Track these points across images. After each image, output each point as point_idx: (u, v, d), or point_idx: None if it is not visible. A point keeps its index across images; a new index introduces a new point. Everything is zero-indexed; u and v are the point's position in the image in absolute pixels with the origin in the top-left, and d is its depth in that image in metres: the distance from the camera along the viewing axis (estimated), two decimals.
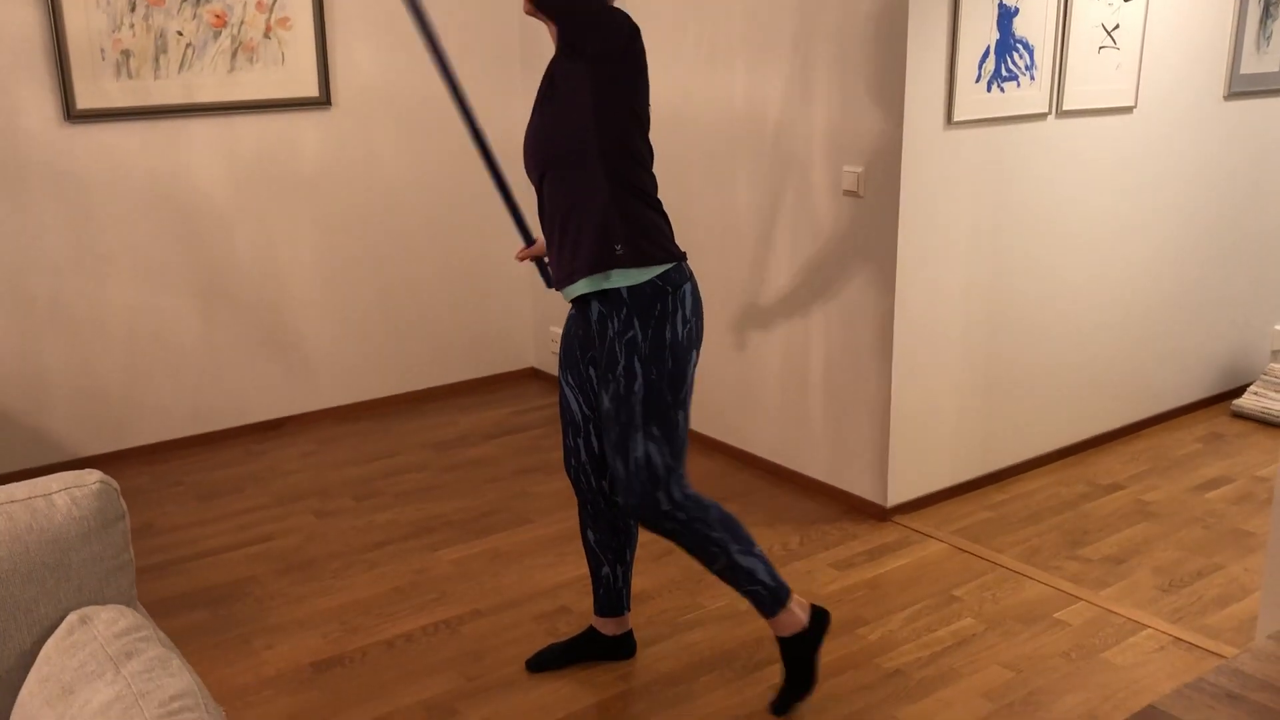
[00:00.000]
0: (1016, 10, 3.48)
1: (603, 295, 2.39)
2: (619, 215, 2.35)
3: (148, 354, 4.20)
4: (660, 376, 2.38)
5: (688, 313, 2.40)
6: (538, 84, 2.50)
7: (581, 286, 2.41)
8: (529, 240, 2.76)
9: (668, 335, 2.37)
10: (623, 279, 2.36)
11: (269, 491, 3.93)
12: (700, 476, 4.00)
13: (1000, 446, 3.90)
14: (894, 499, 3.63)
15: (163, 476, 4.08)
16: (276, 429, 4.52)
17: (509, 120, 4.67)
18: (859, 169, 3.47)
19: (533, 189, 2.50)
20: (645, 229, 2.37)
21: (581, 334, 2.53)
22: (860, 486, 3.69)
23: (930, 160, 3.40)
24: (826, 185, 3.59)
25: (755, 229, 3.88)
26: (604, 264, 2.35)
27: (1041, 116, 3.67)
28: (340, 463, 4.18)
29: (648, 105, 2.40)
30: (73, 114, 3.86)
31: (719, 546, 2.48)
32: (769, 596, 2.54)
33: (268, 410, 4.50)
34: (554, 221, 2.43)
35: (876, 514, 3.64)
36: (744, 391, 4.07)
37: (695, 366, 2.44)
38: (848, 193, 3.52)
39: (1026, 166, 3.68)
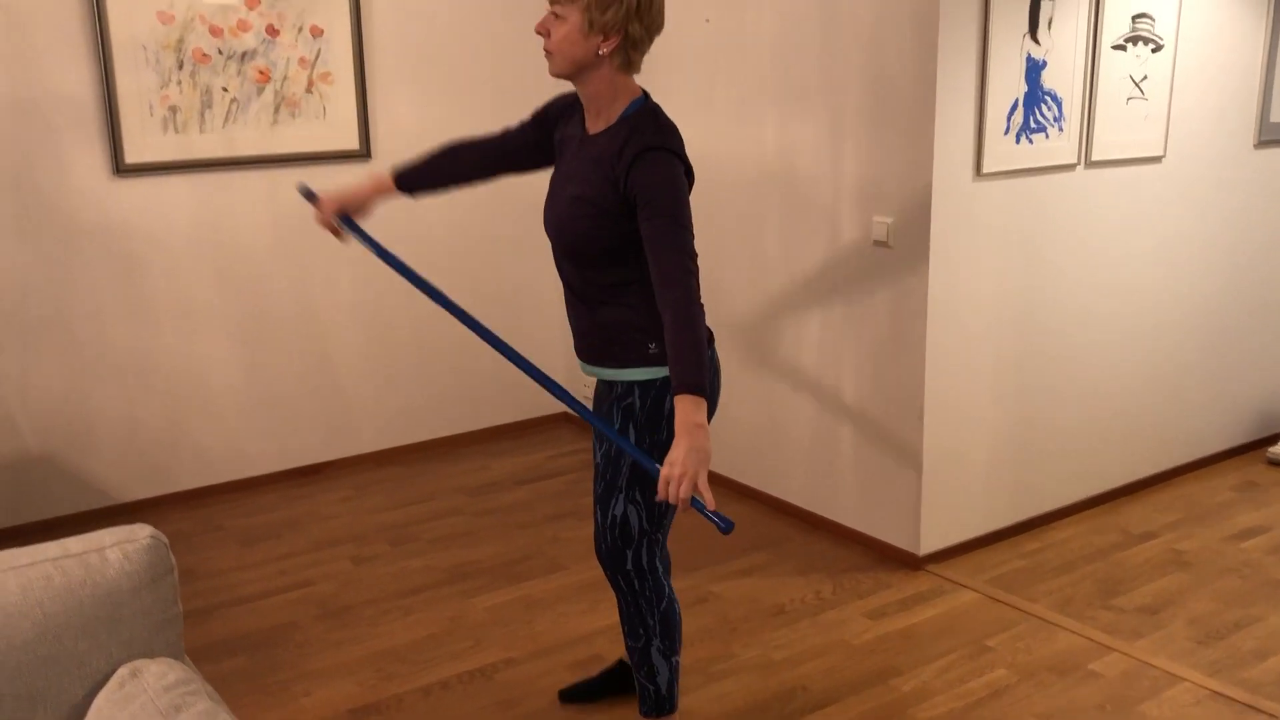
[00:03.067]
0: (1044, 63, 3.53)
1: None
2: (651, 313, 2.29)
3: (190, 399, 4.29)
4: (652, 446, 2.35)
5: None
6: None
7: (608, 374, 2.40)
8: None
9: (666, 406, 2.34)
10: (649, 374, 2.35)
11: (307, 536, 3.99)
12: (736, 523, 4.01)
13: (1032, 494, 3.90)
14: (927, 547, 3.64)
15: (204, 521, 4.15)
16: (315, 474, 4.59)
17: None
18: (889, 220, 3.51)
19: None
20: None
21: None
22: (893, 534, 3.70)
23: (960, 211, 3.44)
24: (857, 236, 3.63)
25: (785, 278, 3.92)
26: (636, 361, 2.34)
27: (1070, 167, 3.70)
28: (377, 508, 4.24)
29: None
30: (121, 168, 3.98)
31: (646, 630, 2.52)
32: (655, 702, 2.58)
33: (307, 455, 4.57)
34: (581, 298, 2.39)
35: (909, 562, 3.65)
36: (777, 438, 4.09)
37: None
38: (878, 243, 3.56)
39: (1056, 217, 3.71)
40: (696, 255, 2.21)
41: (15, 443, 3.98)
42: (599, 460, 2.45)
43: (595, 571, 3.62)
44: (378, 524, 4.09)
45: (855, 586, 3.53)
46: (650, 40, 2.29)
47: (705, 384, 2.10)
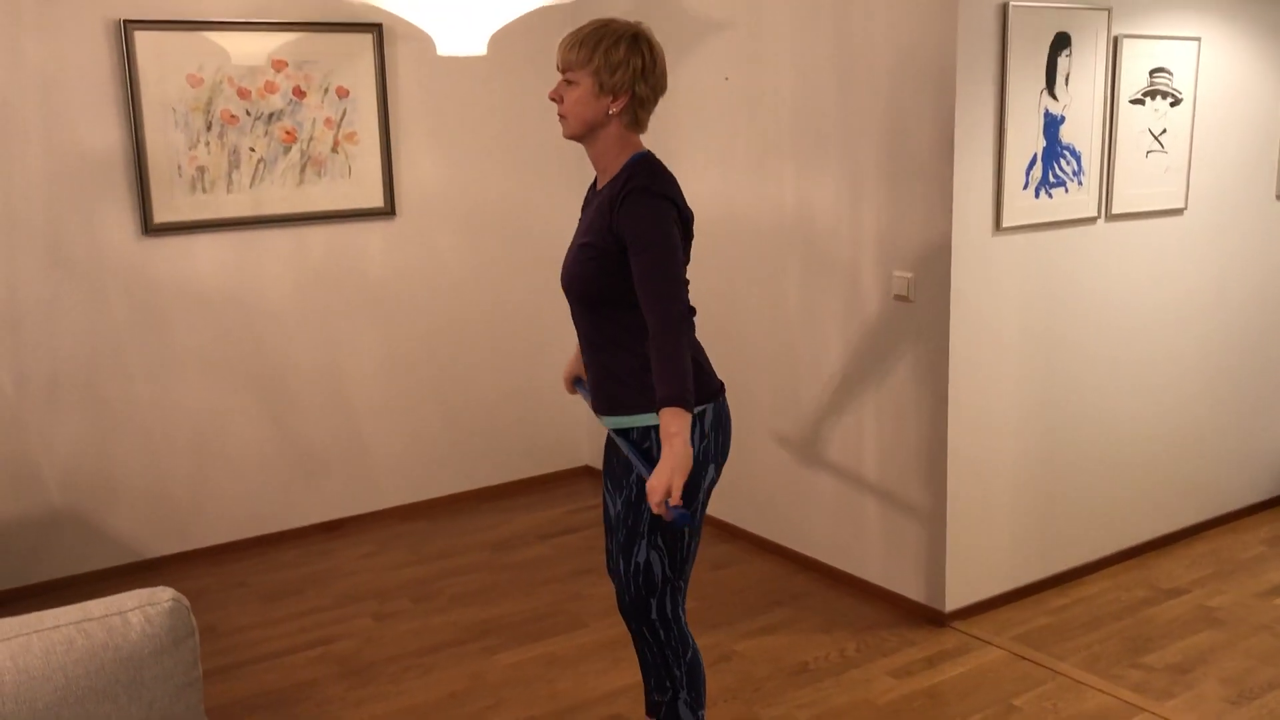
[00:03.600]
0: (1063, 118, 3.55)
1: None
2: None
3: (214, 456, 4.32)
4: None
5: (706, 428, 2.40)
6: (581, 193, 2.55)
7: (624, 423, 2.43)
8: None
9: None
10: (656, 420, 2.36)
11: (330, 593, 3.99)
12: (758, 579, 4.00)
13: (1059, 549, 3.86)
14: (952, 603, 3.60)
15: (227, 577, 4.16)
16: (338, 529, 4.60)
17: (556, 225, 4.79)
18: (909, 274, 3.52)
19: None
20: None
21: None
22: (917, 590, 3.67)
23: (980, 265, 3.44)
24: (877, 289, 3.64)
25: (807, 331, 3.93)
26: (642, 408, 2.37)
27: (1091, 220, 3.70)
28: (399, 564, 4.24)
29: (689, 247, 2.44)
30: (150, 228, 4.05)
31: (673, 683, 2.52)
32: None
33: (330, 511, 4.59)
34: (592, 347, 2.45)
35: (934, 619, 3.61)
36: (799, 492, 4.08)
37: (712, 484, 2.45)
38: (898, 297, 3.57)
39: (1078, 269, 3.70)
40: (685, 282, 2.31)
41: (41, 498, 4.02)
42: (619, 508, 2.45)
43: (617, 629, 3.60)
44: (400, 580, 4.09)
45: (879, 644, 3.49)
46: (655, 99, 2.43)
47: (683, 396, 2.19)
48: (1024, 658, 3.37)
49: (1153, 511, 4.14)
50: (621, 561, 2.46)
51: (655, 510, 2.18)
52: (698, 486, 2.41)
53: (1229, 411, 4.32)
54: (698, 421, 2.39)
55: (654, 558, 2.42)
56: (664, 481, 2.15)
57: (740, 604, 3.80)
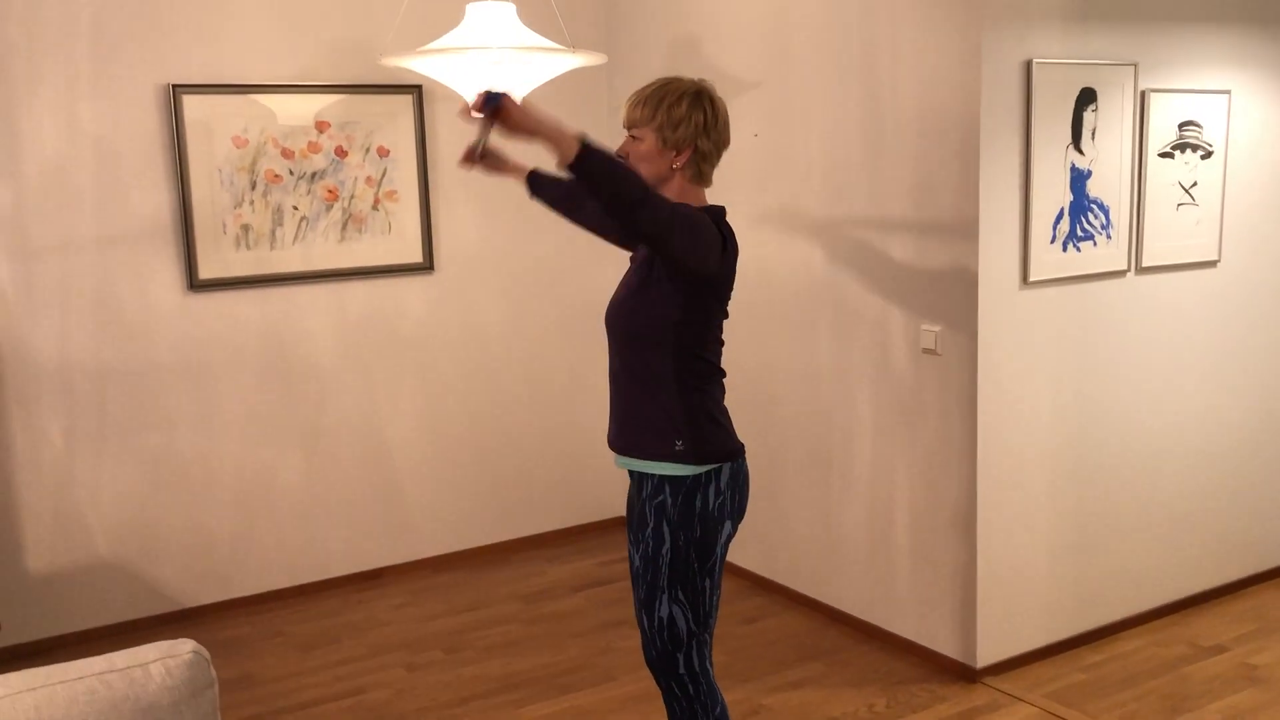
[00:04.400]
0: (1089, 172, 3.56)
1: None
2: (684, 411, 2.41)
3: (255, 506, 4.40)
4: (688, 543, 2.41)
5: (722, 485, 2.43)
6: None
7: (637, 465, 2.48)
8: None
9: (698, 504, 2.41)
10: (674, 470, 2.42)
11: (364, 643, 4.04)
12: (789, 633, 3.99)
13: (1094, 605, 3.81)
14: (983, 659, 3.57)
15: (264, 626, 4.22)
16: (375, 579, 4.66)
17: (591, 278, 4.86)
18: (937, 328, 3.53)
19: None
20: (708, 429, 2.43)
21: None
22: (948, 645, 3.64)
23: (1007, 319, 3.45)
24: (905, 343, 3.66)
25: (837, 384, 3.95)
26: (662, 456, 2.42)
27: (1121, 274, 3.70)
28: (432, 614, 4.28)
29: (729, 296, 2.50)
30: (195, 284, 4.17)
31: None
32: None
33: (366, 561, 4.65)
34: (621, 387, 2.52)
35: (965, 675, 3.58)
36: (830, 546, 4.07)
37: (729, 539, 2.47)
38: (926, 351, 3.58)
39: (1108, 323, 3.69)
40: (669, 223, 2.26)
41: (88, 548, 4.12)
42: (637, 563, 2.48)
43: (645, 683, 3.60)
44: (433, 631, 4.13)
45: (909, 699, 3.47)
46: (719, 154, 2.53)
47: (586, 153, 2.18)
48: (1057, 715, 3.33)
49: (1191, 567, 4.07)
50: (644, 616, 2.48)
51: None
52: (715, 542, 2.43)
53: (1269, 465, 4.26)
54: (713, 478, 2.42)
55: (676, 612, 2.44)
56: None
57: (770, 658, 3.80)
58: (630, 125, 2.47)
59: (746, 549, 4.48)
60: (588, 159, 2.18)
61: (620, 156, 2.47)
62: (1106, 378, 3.73)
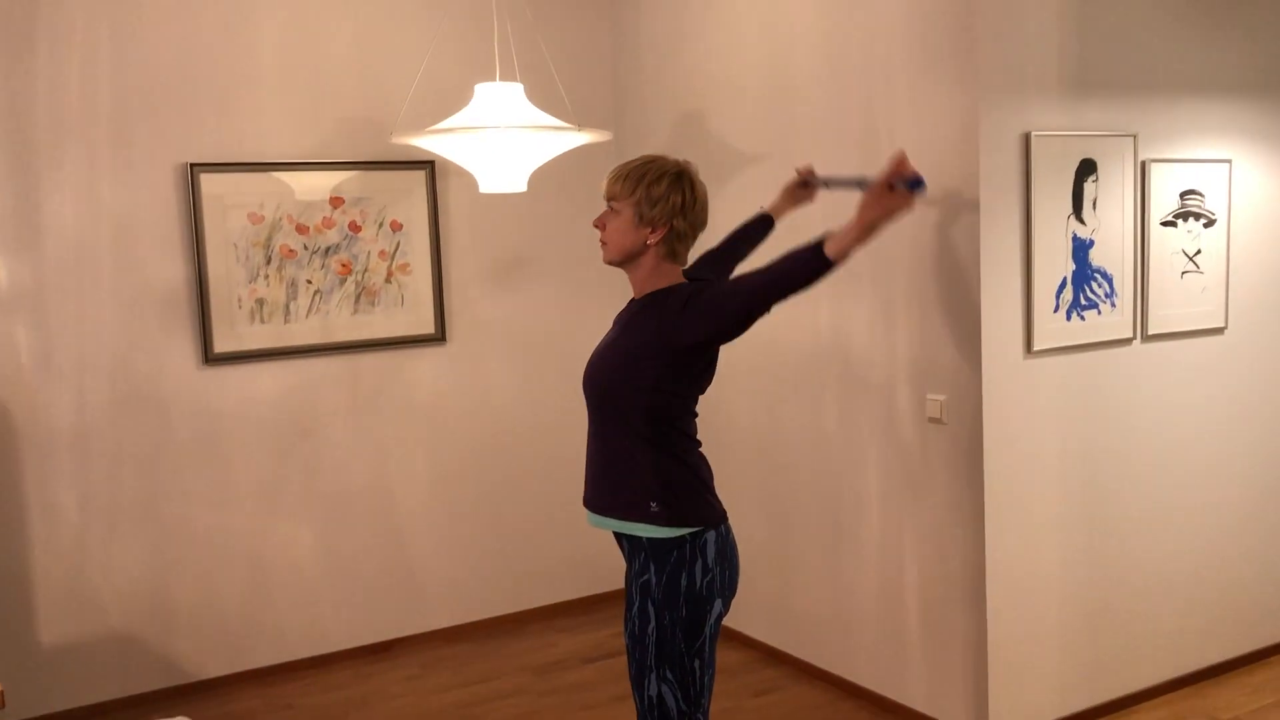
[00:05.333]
0: (1091, 242, 3.58)
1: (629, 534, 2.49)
2: (659, 473, 2.44)
3: (268, 578, 4.42)
4: (674, 623, 2.40)
5: (709, 561, 2.42)
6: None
7: (611, 525, 2.50)
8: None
9: (683, 582, 2.40)
10: (649, 531, 2.43)
11: (374, 716, 4.02)
12: (802, 706, 3.95)
13: (1109, 676, 3.76)
14: None
15: (275, 699, 4.21)
16: (386, 650, 4.65)
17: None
18: (942, 397, 3.55)
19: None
20: (683, 491, 2.44)
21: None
22: (962, 717, 3.59)
23: (1012, 388, 3.46)
24: (911, 412, 3.66)
25: (844, 454, 3.95)
26: (637, 517, 2.44)
27: (1127, 341, 3.70)
28: (443, 687, 4.26)
29: (705, 370, 2.52)
30: (210, 357, 4.23)
31: None
32: None
33: (377, 633, 4.64)
34: (598, 449, 2.54)
35: None
36: (840, 616, 4.04)
37: (720, 617, 2.46)
38: (932, 420, 3.59)
39: (1114, 391, 3.69)
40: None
41: (100, 620, 4.14)
42: (626, 640, 2.48)
43: None
44: (443, 704, 4.11)
45: None
46: (694, 235, 2.56)
47: (818, 245, 2.29)
48: None
49: (1209, 636, 4.02)
50: (636, 694, 2.47)
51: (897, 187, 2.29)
52: (703, 622, 2.43)
53: None
54: (698, 555, 2.42)
55: (666, 691, 2.43)
56: (889, 208, 2.30)
57: None
58: (610, 198, 2.53)
59: (756, 620, 4.45)
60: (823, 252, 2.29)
61: (596, 226, 2.56)
62: (1115, 446, 3.72)
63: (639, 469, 2.44)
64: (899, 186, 2.27)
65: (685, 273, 2.59)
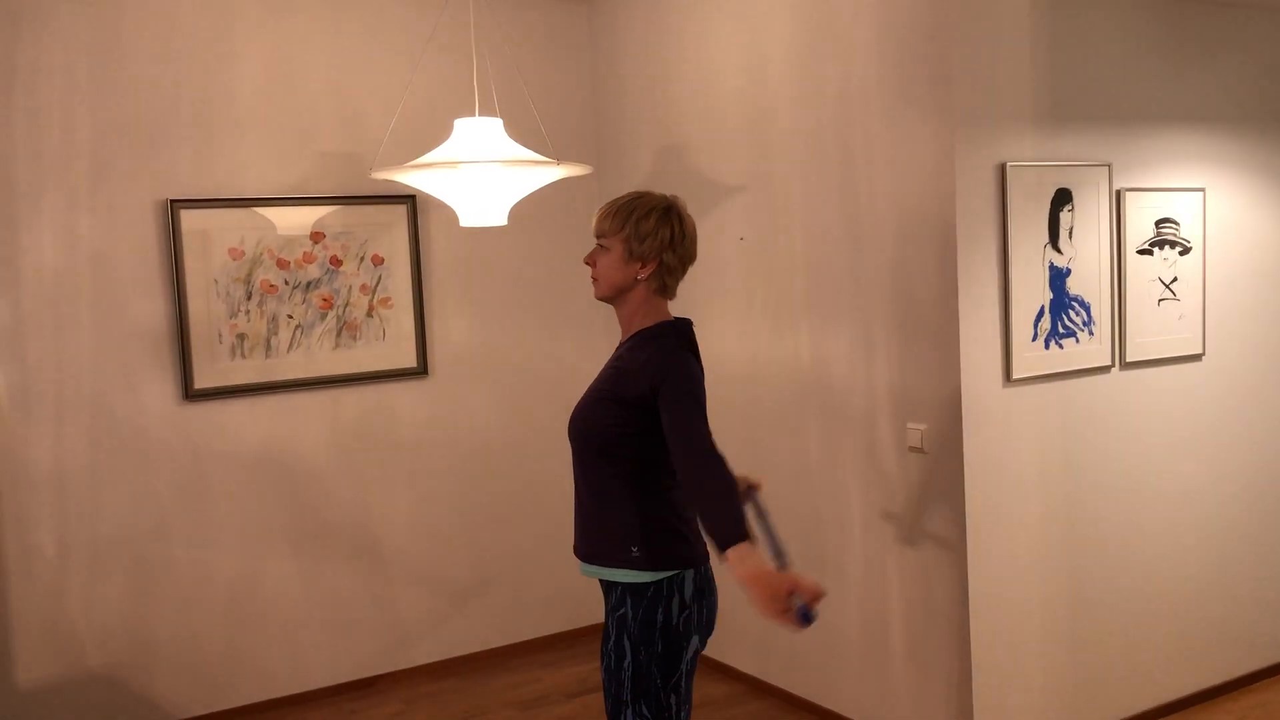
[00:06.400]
0: (1068, 270, 3.61)
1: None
2: (640, 519, 2.43)
3: (248, 616, 4.38)
4: (650, 659, 2.39)
5: (686, 598, 2.42)
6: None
7: (594, 572, 2.50)
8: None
9: (659, 618, 2.39)
10: (629, 576, 2.43)
11: None
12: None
13: (1092, 704, 3.75)
14: None
15: None
16: (369, 687, 4.61)
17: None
18: (922, 426, 3.55)
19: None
20: (664, 536, 2.43)
21: None
22: None
23: (991, 417, 3.47)
24: (892, 442, 3.67)
25: (826, 483, 3.95)
26: (617, 562, 2.43)
27: (1105, 369, 3.73)
28: None
29: None
30: (190, 393, 4.22)
31: None
32: None
33: (360, 669, 4.60)
34: (581, 494, 2.55)
35: None
36: (825, 647, 4.03)
37: (697, 653, 2.45)
38: (913, 449, 3.60)
39: (1094, 417, 3.71)
40: (709, 441, 2.32)
41: (79, 660, 4.09)
42: (603, 674, 2.47)
43: None
44: None
45: None
46: (684, 269, 2.56)
47: (739, 530, 2.17)
48: None
49: (1192, 662, 4.02)
50: None
51: (784, 623, 2.14)
52: (679, 658, 2.41)
53: (1265, 556, 4.23)
54: (675, 591, 2.42)
55: None
56: (770, 610, 2.12)
57: None
58: (599, 234, 2.53)
59: (741, 651, 4.43)
60: (740, 538, 2.20)
61: (587, 263, 2.55)
62: (1095, 472, 3.73)
63: (621, 513, 2.44)
64: (795, 603, 2.13)
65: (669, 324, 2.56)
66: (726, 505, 2.21)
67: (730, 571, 2.17)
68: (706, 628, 2.47)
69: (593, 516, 2.51)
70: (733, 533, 2.17)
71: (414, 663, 4.72)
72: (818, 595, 2.14)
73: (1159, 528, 3.91)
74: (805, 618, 2.12)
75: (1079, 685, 3.71)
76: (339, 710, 4.40)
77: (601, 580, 2.52)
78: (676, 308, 2.61)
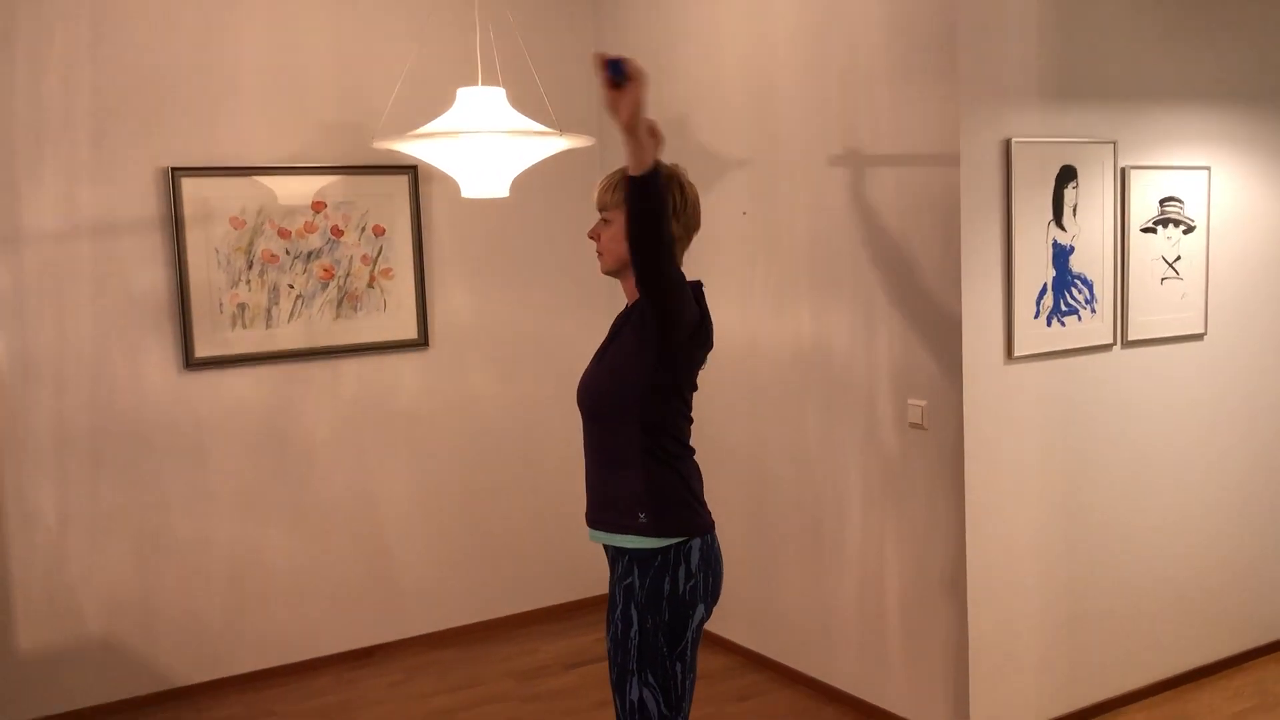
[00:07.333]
0: (1072, 248, 3.60)
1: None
2: (650, 483, 2.44)
3: (249, 584, 4.40)
4: (656, 627, 2.40)
5: (693, 567, 2.43)
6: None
7: (602, 538, 2.51)
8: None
9: (665, 587, 2.40)
10: (635, 543, 2.44)
11: None
12: (783, 711, 3.96)
13: (1088, 680, 3.77)
14: None
15: (256, 705, 4.19)
16: (368, 656, 4.63)
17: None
18: (923, 403, 3.55)
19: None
20: (672, 502, 2.44)
21: None
22: None
23: (992, 394, 3.47)
24: (892, 418, 3.67)
25: (826, 459, 3.96)
26: (625, 528, 2.44)
27: (1107, 347, 3.72)
28: (425, 693, 4.25)
29: (697, 371, 2.52)
30: (191, 362, 4.22)
31: None
32: None
33: (359, 639, 4.63)
34: (592, 463, 2.55)
35: None
36: (822, 621, 4.05)
37: (702, 622, 2.47)
38: (913, 425, 3.60)
39: (1095, 396, 3.71)
40: (677, 273, 2.32)
41: (79, 628, 4.11)
42: (609, 645, 2.48)
43: None
44: (425, 710, 4.10)
45: None
46: (689, 238, 2.53)
47: (656, 171, 2.18)
48: None
49: (1188, 641, 4.04)
50: (616, 699, 2.47)
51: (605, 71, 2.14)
52: (685, 626, 2.43)
53: (1263, 536, 4.24)
54: (682, 560, 2.42)
55: (647, 696, 2.43)
56: (613, 103, 2.13)
57: None
58: (601, 208, 2.51)
59: (738, 624, 4.45)
60: (655, 179, 2.18)
61: (591, 238, 2.53)
62: (1095, 451, 3.73)
63: (631, 480, 2.45)
64: (612, 78, 2.14)
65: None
66: (658, 229, 2.22)
67: (632, 160, 2.17)
68: (712, 596, 2.48)
69: (603, 484, 2.51)
70: (625, 188, 2.19)
71: (414, 632, 4.74)
72: (600, 63, 2.16)
73: (1157, 506, 3.91)
74: (614, 69, 2.14)
75: (1076, 661, 3.73)
76: (339, 679, 4.42)
77: (608, 550, 2.53)
78: None
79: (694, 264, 2.59)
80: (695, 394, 2.56)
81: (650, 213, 2.21)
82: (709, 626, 4.39)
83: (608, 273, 2.55)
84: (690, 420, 2.55)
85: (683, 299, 2.35)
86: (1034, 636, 3.63)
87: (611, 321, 2.64)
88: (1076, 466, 3.69)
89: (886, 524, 3.74)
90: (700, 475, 2.54)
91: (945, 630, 3.56)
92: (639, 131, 2.18)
